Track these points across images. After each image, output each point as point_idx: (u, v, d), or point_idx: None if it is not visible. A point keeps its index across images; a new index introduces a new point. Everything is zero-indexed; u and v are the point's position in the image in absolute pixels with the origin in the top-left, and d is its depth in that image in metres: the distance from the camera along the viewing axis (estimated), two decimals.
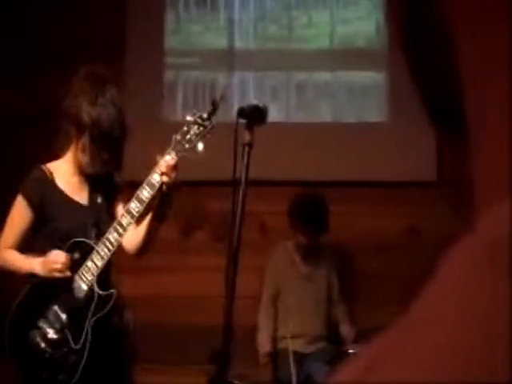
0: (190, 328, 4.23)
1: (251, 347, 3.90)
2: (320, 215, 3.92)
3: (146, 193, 2.57)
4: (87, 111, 2.59)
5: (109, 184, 2.75)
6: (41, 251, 2.66)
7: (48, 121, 4.49)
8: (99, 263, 2.61)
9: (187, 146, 2.59)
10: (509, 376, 0.27)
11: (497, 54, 0.33)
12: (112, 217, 2.74)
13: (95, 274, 2.62)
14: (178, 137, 2.61)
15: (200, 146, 2.59)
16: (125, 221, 2.58)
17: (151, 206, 2.60)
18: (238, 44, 4.61)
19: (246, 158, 2.16)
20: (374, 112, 4.55)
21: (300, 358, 3.73)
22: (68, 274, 2.60)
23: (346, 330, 3.97)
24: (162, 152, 2.61)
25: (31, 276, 2.65)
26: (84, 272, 2.63)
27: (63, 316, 2.63)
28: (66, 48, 4.55)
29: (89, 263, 2.63)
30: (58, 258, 2.59)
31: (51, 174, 2.72)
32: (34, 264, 2.62)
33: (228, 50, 4.60)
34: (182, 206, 4.41)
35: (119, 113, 2.63)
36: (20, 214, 2.69)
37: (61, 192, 2.71)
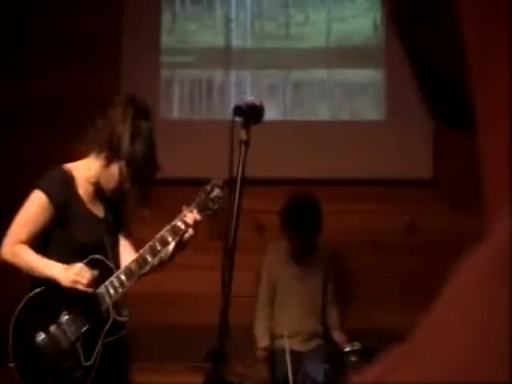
0: (186, 326, 4.23)
1: (247, 346, 3.90)
2: (311, 215, 3.91)
3: (170, 238, 2.64)
4: (128, 143, 2.58)
5: (119, 205, 2.75)
6: (54, 260, 2.59)
7: (41, 123, 4.49)
8: (120, 290, 2.61)
9: (211, 205, 2.69)
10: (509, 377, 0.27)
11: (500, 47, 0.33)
12: (117, 236, 2.75)
13: (114, 299, 2.62)
14: (202, 194, 2.71)
15: (222, 212, 2.64)
16: (148, 258, 2.62)
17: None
18: (235, 42, 4.60)
19: (242, 156, 2.16)
20: (371, 110, 4.55)
21: (296, 356, 3.73)
22: (90, 290, 2.56)
23: (337, 336, 3.98)
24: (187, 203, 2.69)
25: (39, 280, 2.59)
26: (103, 293, 2.61)
27: (77, 329, 2.60)
28: (62, 45, 4.54)
29: (109, 287, 2.61)
30: (84, 273, 2.54)
31: (73, 178, 2.67)
32: (55, 269, 2.54)
33: (225, 49, 4.60)
34: (178, 205, 4.41)
35: (154, 151, 2.65)
36: (38, 210, 2.59)
37: (80, 200, 2.67)
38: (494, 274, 0.30)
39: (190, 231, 2.63)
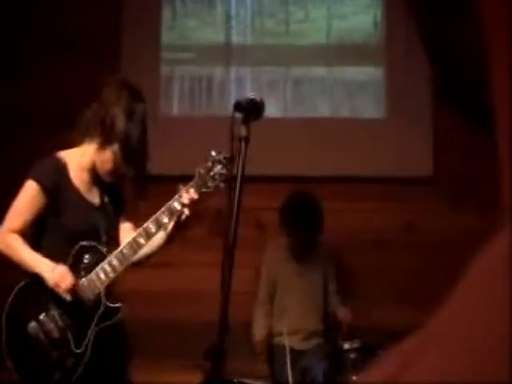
0: (186, 323, 4.23)
1: (247, 343, 3.90)
2: (310, 214, 3.90)
3: (165, 219, 2.59)
4: (122, 124, 2.56)
5: (116, 190, 2.73)
6: (48, 248, 2.60)
7: (41, 117, 4.48)
8: (111, 275, 2.59)
9: (210, 183, 2.63)
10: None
11: None
12: (117, 222, 2.73)
13: (105, 285, 2.60)
14: (202, 171, 2.64)
15: (222, 185, 2.61)
16: (141, 240, 2.59)
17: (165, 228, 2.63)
18: (235, 39, 4.60)
19: (242, 152, 2.15)
20: (371, 108, 4.54)
21: (296, 354, 3.73)
22: (68, 298, 2.55)
23: (342, 312, 3.89)
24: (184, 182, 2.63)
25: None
26: (94, 279, 2.60)
27: (67, 317, 2.59)
28: (62, 43, 4.54)
29: (100, 272, 2.59)
30: (66, 277, 2.53)
31: (65, 164, 2.65)
32: (42, 266, 2.54)
33: (225, 45, 4.59)
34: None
35: (147, 134, 2.63)
36: (31, 199, 2.58)
37: (74, 187, 2.65)
38: (506, 268, 0.30)
39: (186, 211, 2.57)
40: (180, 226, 2.62)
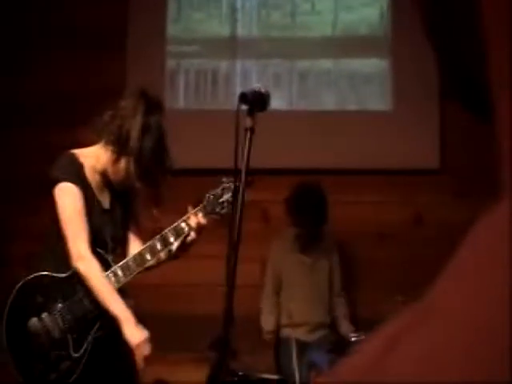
0: (191, 316, 4.23)
1: (252, 335, 3.90)
2: (317, 206, 3.90)
3: (171, 238, 2.59)
4: (136, 140, 2.51)
5: (127, 196, 2.71)
6: (60, 247, 2.56)
7: (48, 108, 4.48)
8: (115, 285, 2.57)
9: (218, 210, 2.61)
10: None
11: None
12: (125, 229, 2.71)
13: None
14: (211, 196, 2.63)
15: (231, 212, 2.60)
16: (147, 256, 2.58)
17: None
18: (241, 32, 4.59)
19: (247, 143, 2.14)
20: (377, 100, 4.53)
21: (302, 346, 3.73)
22: (141, 365, 2.55)
23: (345, 327, 3.96)
24: (194, 203, 2.63)
25: (36, 268, 2.60)
26: None
27: (69, 320, 2.58)
28: (67, 35, 4.53)
29: None
30: (146, 348, 2.53)
31: (81, 164, 2.61)
32: (122, 313, 2.51)
33: (230, 38, 4.58)
34: (184, 196, 4.40)
35: (164, 148, 2.57)
36: (77, 201, 2.53)
37: (90, 187, 2.62)
38: (506, 241, 0.29)
39: (193, 235, 2.58)
40: (184, 248, 2.63)
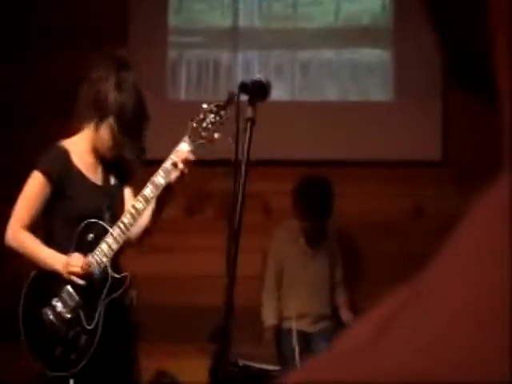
0: (192, 307, 4.23)
1: (253, 327, 3.90)
2: (325, 201, 3.89)
3: (161, 179, 2.58)
4: (114, 97, 2.57)
5: (121, 166, 2.74)
6: (56, 231, 2.65)
7: (48, 97, 4.46)
8: (114, 246, 2.61)
9: (204, 133, 2.60)
10: None
11: None
12: (123, 199, 2.75)
13: (109, 257, 2.62)
14: (194, 124, 2.61)
15: (216, 135, 2.58)
16: (139, 206, 2.60)
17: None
18: (242, 22, 4.57)
19: (248, 133, 2.12)
20: (379, 90, 4.51)
21: (304, 337, 3.73)
22: (81, 282, 2.59)
23: (345, 315, 3.97)
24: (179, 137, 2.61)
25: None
26: (99, 254, 2.62)
27: (76, 296, 2.63)
28: (67, 25, 4.52)
29: (103, 246, 2.62)
30: (78, 263, 2.58)
31: (68, 151, 2.69)
32: (56, 261, 2.59)
33: (232, 29, 4.56)
34: (185, 186, 4.40)
35: (142, 99, 2.63)
36: (38, 190, 2.63)
37: (77, 171, 2.69)
38: (506, 219, 0.28)
39: (177, 173, 2.56)
40: (170, 186, 2.60)
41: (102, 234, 2.64)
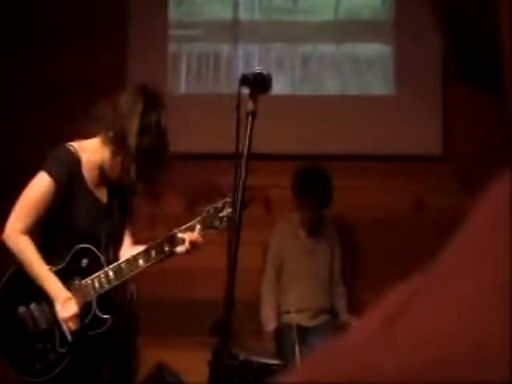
0: (193, 300, 4.24)
1: (253, 320, 3.90)
2: (324, 189, 3.89)
3: (166, 247, 2.58)
4: (133, 140, 2.49)
5: (125, 189, 2.69)
6: (53, 241, 2.59)
7: (47, 94, 4.46)
8: (105, 286, 2.57)
9: (217, 224, 2.58)
10: None
11: None
12: (123, 222, 2.70)
13: (97, 294, 2.58)
14: (211, 210, 2.59)
15: (225, 227, 2.54)
16: (140, 261, 2.57)
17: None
18: (243, 15, 4.55)
19: (249, 126, 2.11)
20: (380, 84, 4.50)
21: (303, 331, 3.73)
22: (68, 338, 2.55)
23: (343, 315, 3.97)
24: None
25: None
26: (88, 287, 2.58)
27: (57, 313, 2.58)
28: (67, 20, 4.51)
29: (96, 282, 2.57)
30: (74, 320, 2.53)
31: (79, 159, 2.60)
32: (53, 289, 2.53)
33: (232, 22, 4.55)
34: (186, 180, 4.40)
35: (163, 143, 2.55)
36: (43, 193, 2.54)
37: (84, 183, 2.62)
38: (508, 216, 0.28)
39: (182, 248, 2.56)
40: (172, 254, 2.61)
41: (95, 265, 2.58)
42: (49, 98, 4.45)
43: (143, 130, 2.51)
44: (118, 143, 2.53)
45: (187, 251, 2.58)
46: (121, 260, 2.60)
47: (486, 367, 0.26)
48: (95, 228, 2.62)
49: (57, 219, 2.59)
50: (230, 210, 2.53)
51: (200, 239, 2.58)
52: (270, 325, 3.90)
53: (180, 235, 2.57)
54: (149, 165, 2.53)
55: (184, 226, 2.59)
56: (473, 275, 0.28)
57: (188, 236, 2.56)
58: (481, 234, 0.30)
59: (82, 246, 2.58)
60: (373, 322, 0.30)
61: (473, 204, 0.31)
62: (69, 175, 2.58)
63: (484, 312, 0.27)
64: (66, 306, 2.53)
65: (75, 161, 2.60)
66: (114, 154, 2.57)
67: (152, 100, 2.57)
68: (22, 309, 2.60)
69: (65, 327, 2.54)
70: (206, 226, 2.58)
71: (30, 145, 2.63)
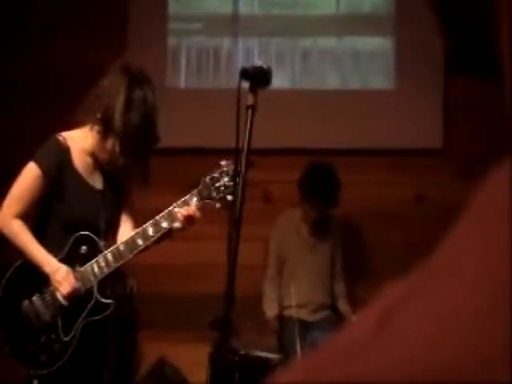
0: (193, 296, 4.24)
1: (253, 315, 3.90)
2: (331, 190, 3.87)
3: (164, 223, 2.54)
4: (121, 117, 2.49)
5: (119, 173, 2.66)
6: (50, 232, 2.60)
7: (47, 86, 4.45)
8: (105, 270, 2.56)
9: (214, 194, 2.53)
10: None
11: None
12: (119, 207, 2.69)
13: (98, 279, 2.57)
14: (208, 180, 2.55)
15: (229, 198, 2.48)
16: (139, 241, 2.55)
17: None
18: (243, 9, 4.54)
19: (249, 120, 2.10)
20: (380, 78, 4.49)
21: (305, 326, 3.73)
22: (65, 303, 2.55)
23: (342, 306, 3.98)
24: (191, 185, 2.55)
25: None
26: (89, 272, 2.58)
27: (59, 303, 2.58)
28: (66, 15, 4.49)
29: (95, 266, 2.57)
30: (66, 277, 2.54)
31: (68, 148, 2.61)
32: (46, 263, 2.54)
33: (232, 16, 4.53)
34: (184, 175, 4.39)
35: (151, 120, 2.54)
36: (32, 183, 2.56)
37: (76, 172, 2.62)
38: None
39: (178, 224, 2.53)
40: (169, 233, 2.58)
41: (95, 251, 2.58)
42: (49, 89, 4.44)
43: (129, 108, 2.50)
44: (105, 124, 2.53)
45: (183, 227, 2.53)
46: (119, 243, 2.60)
47: (486, 367, 0.26)
48: (92, 215, 2.61)
49: (50, 210, 2.60)
50: (227, 179, 2.50)
51: (197, 213, 2.52)
52: (271, 312, 3.90)
53: (177, 209, 2.53)
54: (137, 144, 2.51)
55: (180, 200, 2.55)
56: (472, 270, 0.28)
57: (184, 210, 2.51)
58: (481, 223, 0.29)
59: (81, 233, 2.58)
60: (369, 319, 0.29)
61: (473, 191, 0.30)
62: (57, 165, 2.58)
63: (483, 311, 0.27)
64: (61, 272, 2.54)
65: (64, 150, 2.60)
66: (102, 137, 2.56)
67: (136, 77, 2.56)
68: (26, 302, 2.61)
69: (59, 294, 2.54)
70: (203, 198, 2.54)
71: (30, 141, 2.63)
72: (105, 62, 4.36)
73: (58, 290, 2.55)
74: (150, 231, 2.56)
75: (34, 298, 2.60)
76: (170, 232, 2.58)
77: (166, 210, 2.56)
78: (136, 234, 2.57)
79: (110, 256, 2.56)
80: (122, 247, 2.57)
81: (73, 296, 2.55)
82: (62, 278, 2.54)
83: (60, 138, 2.62)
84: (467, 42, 0.36)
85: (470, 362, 0.26)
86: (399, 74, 4.41)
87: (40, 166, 2.57)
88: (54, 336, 2.58)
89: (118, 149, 2.52)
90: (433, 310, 0.28)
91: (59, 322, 2.57)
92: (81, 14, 4.49)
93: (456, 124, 4.32)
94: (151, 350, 3.64)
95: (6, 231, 2.59)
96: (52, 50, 4.45)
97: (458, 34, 0.37)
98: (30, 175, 2.58)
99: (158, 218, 2.56)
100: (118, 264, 2.57)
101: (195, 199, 2.54)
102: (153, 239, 2.57)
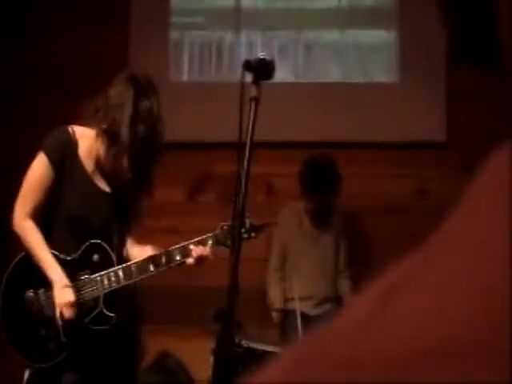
0: (196, 289, 4.24)
1: (256, 308, 3.91)
2: (331, 181, 3.87)
3: (177, 256, 2.58)
4: (126, 131, 2.45)
5: (123, 185, 2.63)
6: (54, 235, 2.59)
7: (49, 81, 4.45)
8: (114, 285, 2.56)
9: (228, 243, 2.52)
10: None
11: None
12: (129, 211, 2.66)
13: (105, 291, 2.57)
14: (225, 227, 2.57)
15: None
16: (151, 267, 2.57)
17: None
18: (246, 3, 4.53)
19: (252, 112, 2.09)
20: (384, 71, 4.48)
21: (307, 319, 3.73)
22: (59, 323, 2.55)
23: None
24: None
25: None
26: (98, 283, 2.58)
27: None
28: (68, 9, 4.49)
29: (105, 278, 2.57)
30: (69, 302, 2.54)
31: (76, 141, 2.59)
32: (53, 275, 2.54)
33: (235, 9, 4.52)
34: (188, 168, 4.39)
35: (157, 132, 2.51)
36: (42, 172, 2.55)
37: (82, 167, 2.60)
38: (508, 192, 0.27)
39: (191, 261, 2.56)
40: (182, 264, 2.61)
41: (106, 263, 2.58)
42: (50, 84, 4.44)
43: (136, 119, 2.47)
44: (111, 135, 2.50)
45: (196, 264, 2.58)
46: (131, 261, 2.60)
47: (485, 368, 0.26)
48: (104, 221, 2.60)
49: (55, 200, 2.58)
50: (243, 230, 2.48)
51: (210, 255, 2.57)
52: (277, 303, 3.91)
53: (192, 247, 2.57)
54: (142, 156, 2.49)
55: (197, 239, 2.58)
56: (473, 253, 0.28)
57: (199, 250, 2.56)
58: (480, 204, 0.29)
59: (94, 241, 2.58)
60: (366, 303, 0.29)
61: (473, 177, 0.30)
62: (62, 152, 2.56)
63: (483, 293, 0.26)
64: (64, 292, 2.54)
65: (72, 141, 2.58)
66: (108, 148, 2.53)
67: (143, 88, 2.52)
68: (29, 293, 2.61)
69: (58, 313, 2.55)
70: (218, 243, 2.57)
71: (31, 128, 2.62)
72: (108, 55, 4.37)
73: (61, 310, 2.55)
74: (163, 261, 2.58)
75: (39, 291, 2.60)
76: (180, 264, 2.61)
77: (181, 245, 2.59)
78: (149, 258, 2.58)
79: (121, 273, 2.57)
80: (133, 267, 2.57)
81: (68, 310, 2.55)
82: (65, 295, 2.54)
83: (70, 130, 2.60)
84: (470, 30, 0.36)
85: (471, 349, 0.26)
86: (402, 67, 4.40)
87: (46, 153, 2.55)
88: (52, 333, 2.57)
89: (121, 161, 2.50)
90: (433, 292, 0.28)
91: (60, 322, 2.57)
92: (82, 7, 4.49)
93: (459, 117, 4.32)
94: (154, 344, 3.65)
95: (20, 233, 2.59)
96: (53, 45, 4.45)
97: (461, 22, 0.37)
98: (38, 165, 2.57)
99: (172, 249, 2.58)
100: (127, 282, 2.58)
101: (210, 242, 2.57)
102: (163, 268, 2.59)
